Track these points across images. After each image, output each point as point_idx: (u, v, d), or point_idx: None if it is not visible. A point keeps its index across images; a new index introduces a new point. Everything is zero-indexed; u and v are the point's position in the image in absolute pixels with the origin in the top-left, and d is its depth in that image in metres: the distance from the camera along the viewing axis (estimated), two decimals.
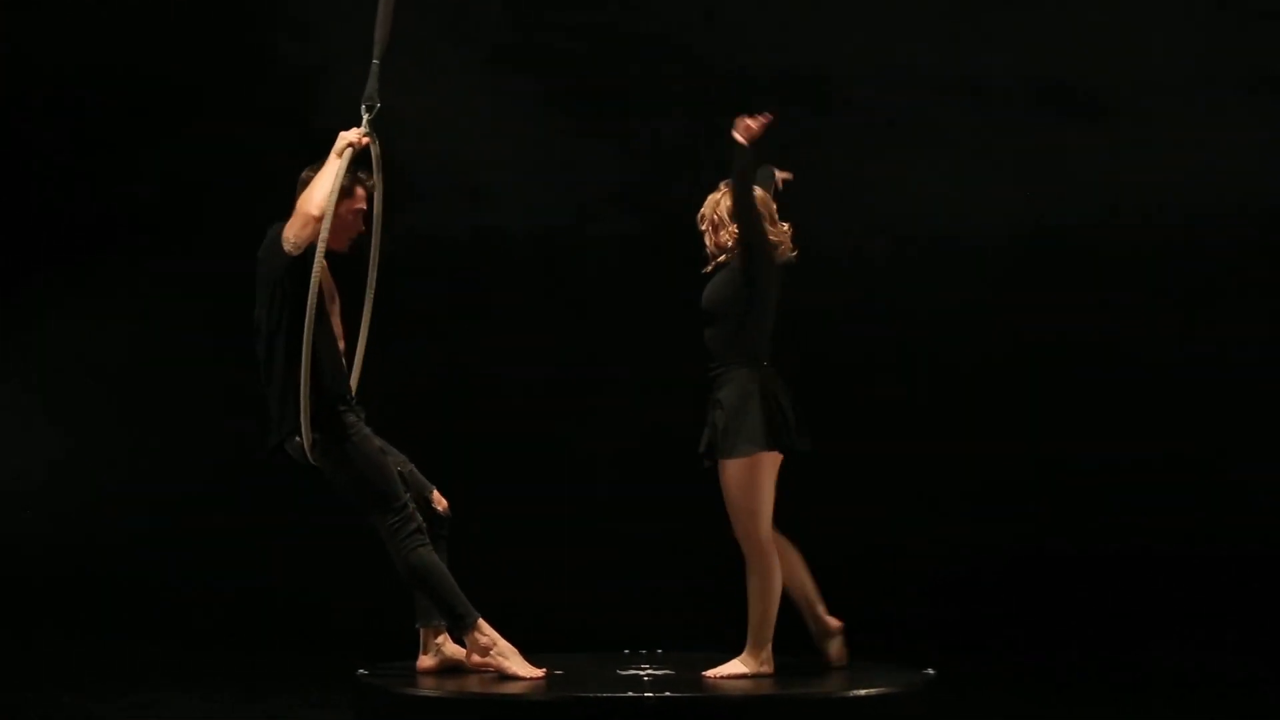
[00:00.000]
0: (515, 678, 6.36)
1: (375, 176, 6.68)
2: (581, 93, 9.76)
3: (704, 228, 6.71)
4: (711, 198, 6.73)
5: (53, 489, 10.13)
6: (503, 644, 6.44)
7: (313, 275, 6.29)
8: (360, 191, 6.55)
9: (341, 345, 6.63)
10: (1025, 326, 9.63)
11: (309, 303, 6.28)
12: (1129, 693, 8.14)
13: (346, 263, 6.73)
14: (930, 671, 6.50)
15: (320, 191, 6.35)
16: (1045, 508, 9.55)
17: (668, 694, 6.06)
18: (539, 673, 6.41)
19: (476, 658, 6.45)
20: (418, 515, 6.45)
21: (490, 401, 9.68)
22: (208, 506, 9.84)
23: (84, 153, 10.06)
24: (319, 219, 6.31)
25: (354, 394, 6.62)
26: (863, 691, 6.16)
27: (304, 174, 6.54)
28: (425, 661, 6.61)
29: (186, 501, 9.93)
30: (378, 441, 6.51)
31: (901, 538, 9.50)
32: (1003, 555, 9.46)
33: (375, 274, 6.81)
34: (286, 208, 6.50)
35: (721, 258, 6.66)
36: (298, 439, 6.38)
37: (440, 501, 6.65)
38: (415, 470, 6.65)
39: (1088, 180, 9.66)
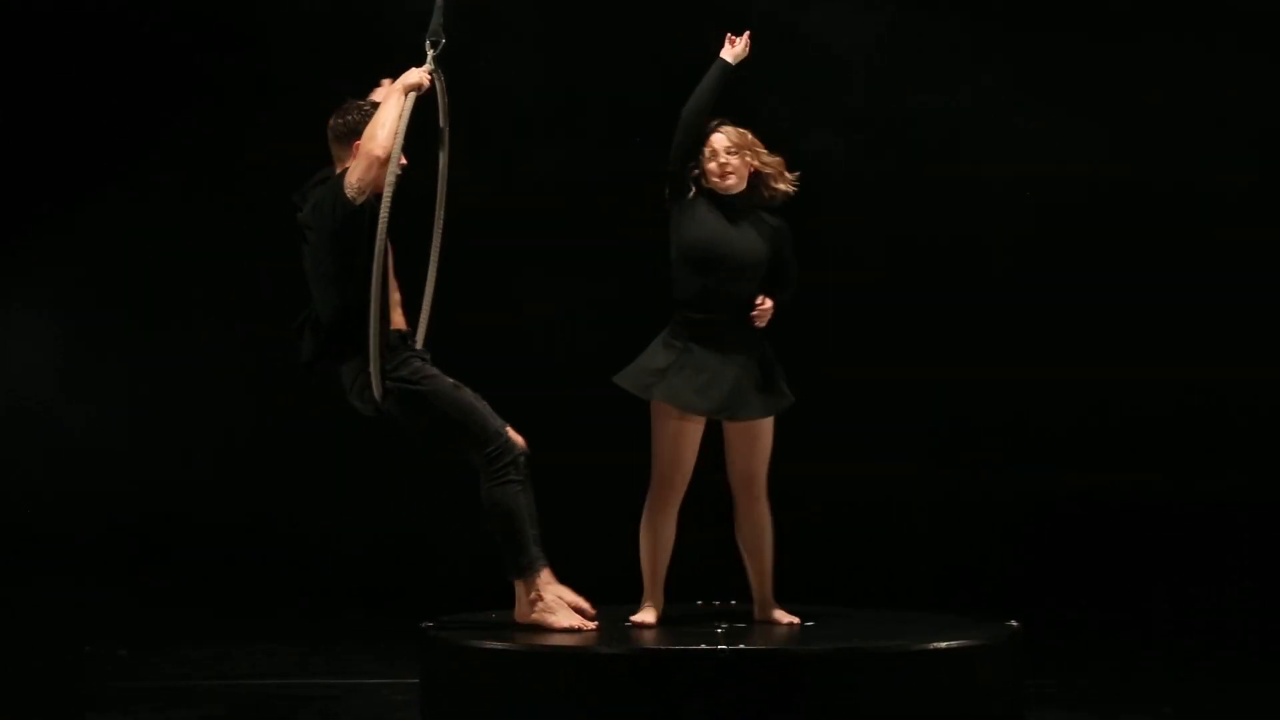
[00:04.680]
0: (560, 630, 6.18)
1: (442, 117, 6.45)
2: None
3: (744, 160, 6.38)
4: (733, 130, 6.41)
5: (108, 442, 10.02)
6: (550, 598, 6.22)
7: (380, 220, 6.05)
8: None
9: (398, 295, 6.41)
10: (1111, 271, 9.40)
11: (377, 249, 6.06)
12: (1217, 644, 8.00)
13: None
14: (1013, 623, 6.29)
15: (385, 132, 6.07)
16: (1127, 455, 9.34)
17: (743, 647, 5.87)
18: (583, 624, 6.22)
19: (527, 609, 6.26)
20: (515, 448, 6.21)
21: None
22: (276, 455, 9.75)
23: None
24: (385, 160, 6.05)
25: (421, 342, 6.42)
26: (944, 644, 5.95)
27: (331, 120, 6.31)
28: (523, 612, 6.38)
29: (255, 451, 9.84)
30: (450, 379, 6.30)
31: (975, 485, 9.34)
32: (1081, 504, 9.30)
33: (441, 220, 6.59)
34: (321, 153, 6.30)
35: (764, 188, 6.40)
36: (367, 391, 6.18)
37: (516, 438, 6.40)
38: (489, 407, 6.43)
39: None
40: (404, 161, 6.27)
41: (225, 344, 9.93)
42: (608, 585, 6.56)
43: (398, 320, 6.35)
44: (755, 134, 6.45)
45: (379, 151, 6.05)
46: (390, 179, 6.08)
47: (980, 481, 9.33)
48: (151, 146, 9.93)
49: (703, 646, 5.85)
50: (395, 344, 6.25)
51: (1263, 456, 9.24)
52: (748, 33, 6.44)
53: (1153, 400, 9.28)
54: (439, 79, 6.38)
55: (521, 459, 6.22)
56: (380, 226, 6.06)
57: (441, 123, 6.49)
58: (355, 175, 6.08)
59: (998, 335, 9.28)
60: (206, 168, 9.87)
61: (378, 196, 6.10)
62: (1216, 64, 9.34)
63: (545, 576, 6.25)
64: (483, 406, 6.26)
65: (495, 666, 5.97)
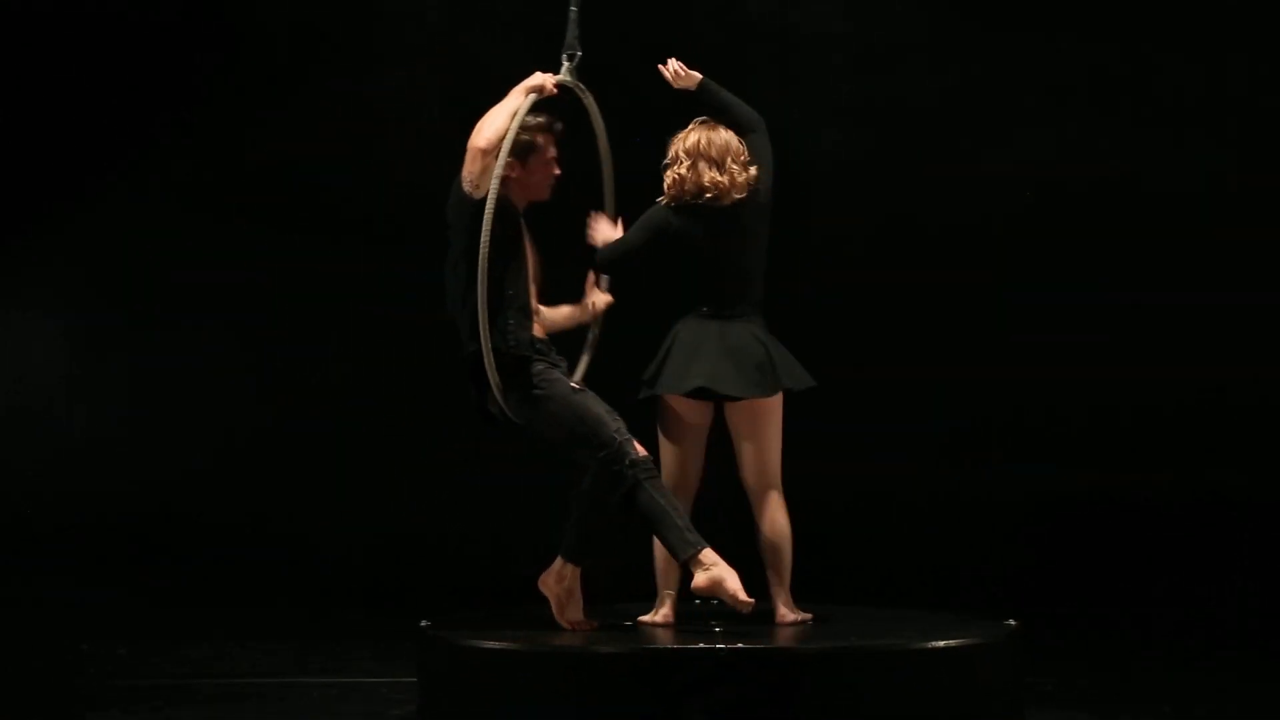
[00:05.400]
0: (561, 624, 6.27)
1: (597, 131, 6.60)
2: None
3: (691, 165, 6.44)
4: (695, 135, 6.46)
5: (108, 442, 10.01)
6: (708, 578, 6.14)
7: (485, 214, 6.12)
8: (541, 140, 6.37)
9: (535, 302, 6.45)
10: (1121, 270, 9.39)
11: (483, 241, 6.11)
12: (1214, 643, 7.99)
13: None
14: (1012, 622, 6.29)
15: (491, 125, 6.22)
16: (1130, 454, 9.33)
17: (741, 645, 5.87)
18: (579, 623, 6.30)
19: (552, 582, 6.34)
20: (629, 454, 6.19)
21: None
22: (276, 455, 9.73)
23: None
24: (487, 151, 6.17)
25: (585, 366, 6.52)
26: (942, 643, 5.96)
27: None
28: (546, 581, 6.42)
29: (255, 451, 9.82)
30: (571, 384, 6.32)
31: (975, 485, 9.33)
32: (1081, 503, 9.28)
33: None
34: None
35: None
36: (490, 394, 6.25)
37: (638, 448, 6.37)
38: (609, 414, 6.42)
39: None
40: (558, 172, 6.39)
41: (225, 344, 9.92)
42: (616, 581, 6.58)
43: (535, 327, 6.39)
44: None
45: (481, 143, 6.20)
46: (497, 171, 6.15)
47: (981, 481, 9.32)
48: (151, 146, 9.92)
49: (702, 646, 5.85)
50: (525, 348, 6.29)
51: (1263, 456, 9.22)
52: (671, 64, 6.59)
53: (1153, 400, 9.26)
54: (582, 93, 6.45)
55: (636, 469, 6.21)
56: (485, 221, 6.12)
57: (598, 137, 6.61)
58: (465, 169, 6.25)
59: (998, 335, 9.27)
60: (206, 168, 9.85)
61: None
62: (1216, 63, 9.33)
63: (710, 554, 6.17)
64: (601, 412, 6.28)
65: (494, 666, 5.98)
